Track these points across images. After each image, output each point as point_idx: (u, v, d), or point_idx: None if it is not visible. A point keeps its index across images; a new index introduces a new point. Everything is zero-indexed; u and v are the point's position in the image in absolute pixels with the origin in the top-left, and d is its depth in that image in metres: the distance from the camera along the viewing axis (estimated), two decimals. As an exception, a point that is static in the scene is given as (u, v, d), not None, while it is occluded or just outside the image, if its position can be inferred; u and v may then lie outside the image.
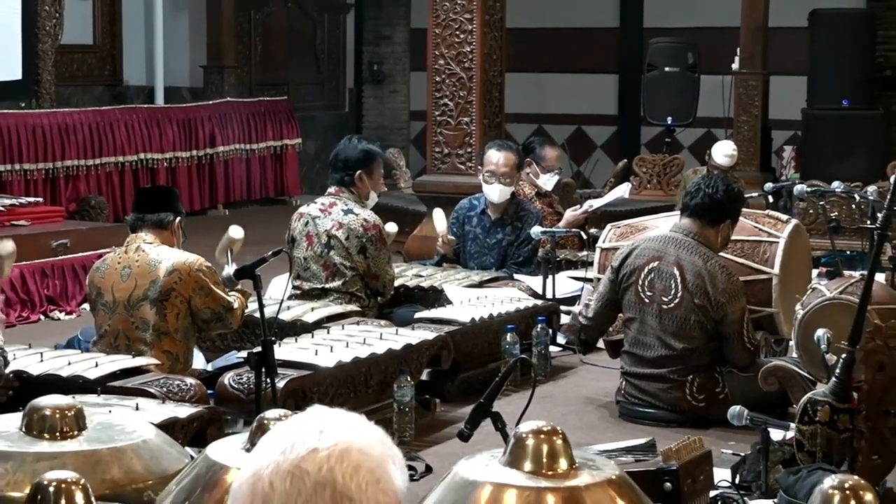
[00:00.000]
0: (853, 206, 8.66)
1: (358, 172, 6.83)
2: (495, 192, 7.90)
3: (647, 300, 6.05)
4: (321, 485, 1.75)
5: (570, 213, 8.62)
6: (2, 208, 8.94)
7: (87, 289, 6.02)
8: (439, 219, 7.90)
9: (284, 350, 5.45)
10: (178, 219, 5.82)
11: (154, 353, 5.51)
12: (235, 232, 6.07)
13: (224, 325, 5.78)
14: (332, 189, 6.90)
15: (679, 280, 5.96)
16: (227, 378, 5.28)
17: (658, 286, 6.01)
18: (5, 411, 3.62)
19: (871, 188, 8.22)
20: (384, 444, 1.83)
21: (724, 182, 6.25)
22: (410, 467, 5.22)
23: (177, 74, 14.37)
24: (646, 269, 6.06)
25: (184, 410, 4.63)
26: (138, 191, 6.41)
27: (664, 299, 5.99)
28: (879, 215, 5.02)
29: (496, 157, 7.88)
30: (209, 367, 5.93)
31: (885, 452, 4.52)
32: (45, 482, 2.76)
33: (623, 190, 9.29)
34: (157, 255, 5.63)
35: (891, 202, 4.95)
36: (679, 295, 5.96)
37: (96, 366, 5.17)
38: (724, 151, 9.79)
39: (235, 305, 5.72)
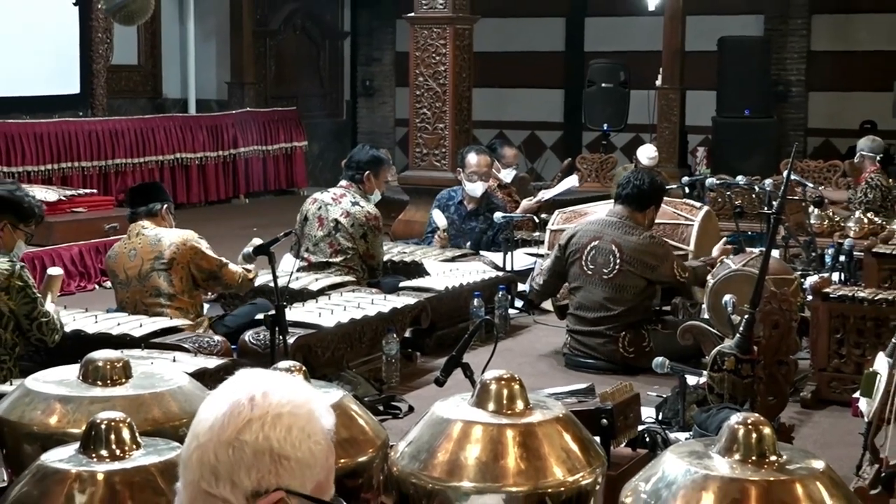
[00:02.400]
0: (753, 195, 8.67)
1: (367, 173, 6.78)
2: (479, 188, 7.86)
3: (589, 272, 6.03)
4: (260, 451, 1.65)
5: (525, 202, 8.60)
6: (64, 198, 8.89)
7: (107, 272, 5.97)
8: (439, 217, 7.83)
9: (294, 313, 5.43)
10: (166, 206, 5.75)
11: (170, 313, 5.47)
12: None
13: (220, 283, 5.68)
14: (343, 182, 6.84)
15: (617, 254, 5.96)
16: (248, 336, 5.27)
17: (599, 260, 6.00)
18: (66, 364, 3.58)
19: (768, 181, 8.22)
20: (310, 399, 1.72)
21: (649, 175, 6.25)
22: (396, 408, 5.22)
23: (206, 89, 14.30)
24: (588, 247, 6.05)
25: (212, 362, 4.60)
26: (129, 190, 6.31)
27: (604, 271, 5.99)
28: (775, 203, 5.02)
29: (477, 159, 7.85)
30: (226, 322, 5.87)
31: (779, 394, 4.54)
32: (98, 420, 2.74)
33: (572, 181, 9.27)
34: (155, 234, 5.60)
35: (783, 192, 4.96)
36: (617, 267, 5.95)
37: (140, 326, 5.14)
38: (647, 154, 9.78)
39: (231, 267, 5.63)
